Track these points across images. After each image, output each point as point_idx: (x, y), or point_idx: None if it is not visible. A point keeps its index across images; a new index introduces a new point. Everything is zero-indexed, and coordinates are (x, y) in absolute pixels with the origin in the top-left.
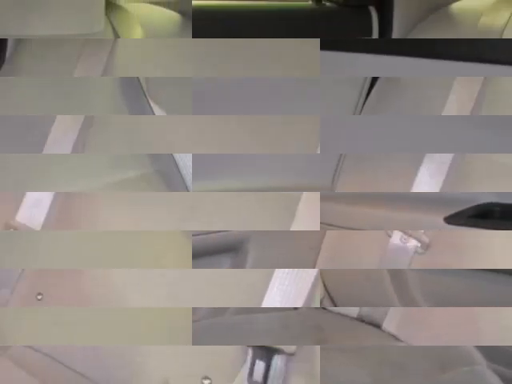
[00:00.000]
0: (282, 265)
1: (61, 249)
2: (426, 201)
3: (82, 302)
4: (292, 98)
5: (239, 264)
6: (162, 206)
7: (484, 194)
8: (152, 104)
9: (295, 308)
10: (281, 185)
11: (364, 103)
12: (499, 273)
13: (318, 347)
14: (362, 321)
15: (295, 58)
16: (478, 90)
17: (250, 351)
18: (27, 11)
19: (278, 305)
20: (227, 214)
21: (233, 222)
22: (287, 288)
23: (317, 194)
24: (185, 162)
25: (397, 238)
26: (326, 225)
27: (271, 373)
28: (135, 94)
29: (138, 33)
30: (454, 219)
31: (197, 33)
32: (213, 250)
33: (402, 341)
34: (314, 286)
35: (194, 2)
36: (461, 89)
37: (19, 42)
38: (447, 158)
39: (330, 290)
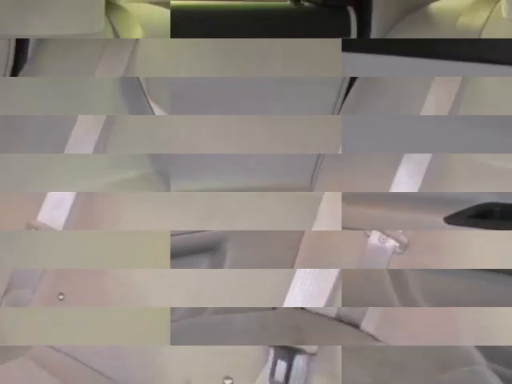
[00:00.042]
0: (260, 265)
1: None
2: (425, 201)
3: (103, 301)
4: (267, 99)
5: (217, 264)
6: (184, 206)
7: (484, 194)
8: (152, 104)
9: (273, 308)
10: (259, 185)
11: (342, 103)
12: (499, 273)
13: (339, 347)
14: (341, 321)
15: (318, 58)
16: (457, 90)
17: (272, 351)
18: (27, 11)
19: (299, 305)
20: (250, 214)
21: (256, 222)
22: (309, 288)
23: (338, 194)
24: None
25: (375, 237)
26: None
27: (293, 373)
28: (135, 93)
29: (138, 33)
30: (454, 219)
31: (175, 32)
32: (191, 250)
33: (380, 341)
34: (335, 286)
35: (172, 2)
36: (439, 88)
37: (41, 42)
38: (426, 157)
39: None
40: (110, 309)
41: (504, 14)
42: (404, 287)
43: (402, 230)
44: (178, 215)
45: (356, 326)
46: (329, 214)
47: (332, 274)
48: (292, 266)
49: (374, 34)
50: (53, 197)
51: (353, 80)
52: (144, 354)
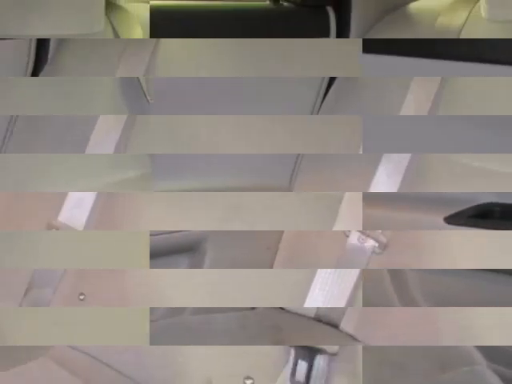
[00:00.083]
0: (239, 265)
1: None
2: (425, 201)
3: (124, 302)
4: (248, 98)
5: (197, 264)
6: (203, 206)
7: (484, 194)
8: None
9: (252, 308)
10: (238, 185)
11: (322, 103)
12: (499, 273)
13: (360, 347)
14: (320, 321)
15: (336, 58)
16: (436, 90)
17: (293, 351)
18: (27, 11)
19: (320, 305)
20: (271, 214)
21: (276, 223)
22: (330, 288)
23: (359, 194)
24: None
25: (354, 237)
26: None
27: (313, 373)
28: (135, 93)
29: (138, 33)
30: (454, 219)
31: (154, 32)
32: (170, 250)
33: (359, 341)
34: (356, 286)
35: (151, 2)
36: (418, 88)
37: (61, 42)
38: (405, 157)
39: None
40: (111, 309)
41: (483, 13)
42: (404, 287)
43: (381, 231)
44: (196, 215)
45: (335, 325)
46: (349, 213)
47: (353, 275)
48: (271, 266)
49: (354, 34)
50: (73, 197)
51: (332, 80)
52: (165, 353)
